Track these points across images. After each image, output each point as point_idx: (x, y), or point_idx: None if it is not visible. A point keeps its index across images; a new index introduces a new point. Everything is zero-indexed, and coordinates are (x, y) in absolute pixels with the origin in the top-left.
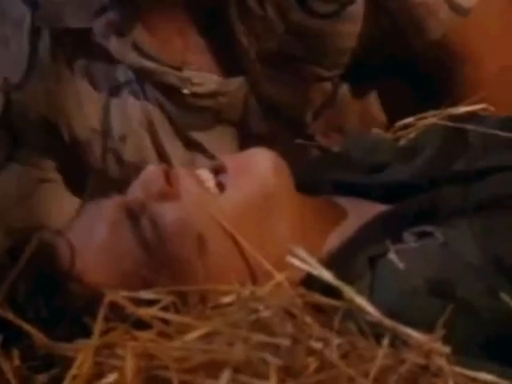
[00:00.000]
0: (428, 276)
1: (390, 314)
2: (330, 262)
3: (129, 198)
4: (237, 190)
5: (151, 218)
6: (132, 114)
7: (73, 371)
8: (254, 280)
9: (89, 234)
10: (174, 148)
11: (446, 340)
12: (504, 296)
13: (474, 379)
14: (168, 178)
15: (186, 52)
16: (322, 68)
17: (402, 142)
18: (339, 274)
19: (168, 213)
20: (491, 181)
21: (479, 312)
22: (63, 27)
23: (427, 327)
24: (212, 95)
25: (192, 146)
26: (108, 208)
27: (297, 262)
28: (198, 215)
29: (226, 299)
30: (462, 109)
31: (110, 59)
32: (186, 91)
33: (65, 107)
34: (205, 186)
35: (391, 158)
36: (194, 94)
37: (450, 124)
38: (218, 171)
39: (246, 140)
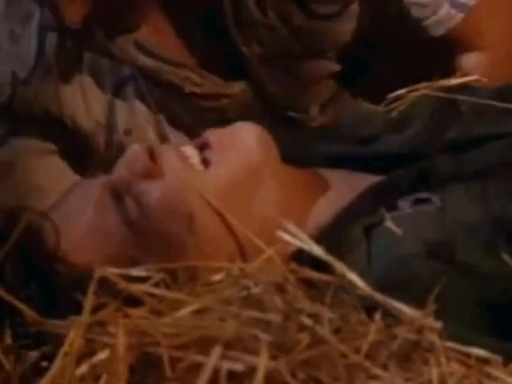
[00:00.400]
0: (426, 240)
1: (389, 280)
2: (322, 235)
3: (113, 177)
4: (221, 166)
5: (135, 196)
6: (137, 108)
7: (64, 348)
8: (244, 256)
9: (74, 214)
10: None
11: (441, 306)
12: (505, 257)
13: (466, 354)
14: (152, 156)
15: (186, 53)
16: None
17: (394, 115)
18: (332, 247)
19: (152, 191)
20: (486, 149)
21: (478, 274)
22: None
23: (426, 291)
24: (216, 97)
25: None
26: (93, 188)
27: (287, 237)
28: (183, 192)
29: (217, 277)
30: (454, 80)
31: (114, 56)
32: (186, 90)
33: (69, 101)
34: (189, 162)
35: (382, 130)
36: (195, 95)
37: (440, 94)
38: (203, 147)
39: None
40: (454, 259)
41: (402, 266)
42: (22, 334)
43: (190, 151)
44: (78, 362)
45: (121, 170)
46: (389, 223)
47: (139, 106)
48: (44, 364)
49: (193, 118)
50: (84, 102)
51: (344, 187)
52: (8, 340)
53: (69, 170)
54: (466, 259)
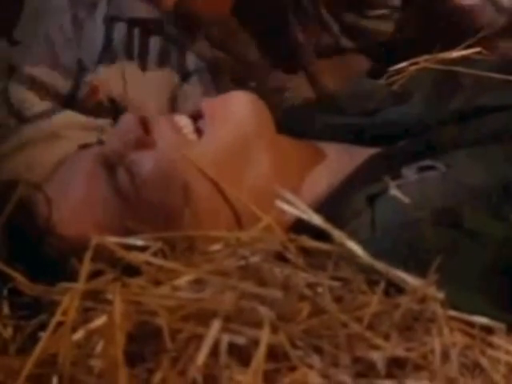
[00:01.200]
0: (432, 206)
1: (396, 247)
2: (321, 205)
3: (105, 147)
4: (214, 135)
5: (127, 167)
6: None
7: (58, 315)
8: (240, 225)
9: (66, 185)
10: None
11: (446, 273)
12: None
13: (469, 323)
14: (145, 126)
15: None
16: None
17: (395, 88)
18: (332, 217)
19: (144, 162)
20: (489, 119)
21: (486, 240)
22: (136, 17)
23: (433, 257)
24: (278, 90)
25: None
26: (85, 159)
27: (285, 206)
28: (176, 162)
29: (214, 246)
30: (456, 53)
31: (181, 48)
32: (252, 84)
33: (134, 92)
34: (182, 132)
35: (383, 103)
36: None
37: (441, 67)
38: (196, 117)
39: None
40: (461, 225)
41: (408, 232)
42: (20, 305)
43: (184, 121)
44: (75, 329)
45: (113, 141)
46: (395, 191)
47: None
48: (41, 334)
49: None
50: (149, 93)
51: (344, 159)
52: (6, 310)
53: None
54: (473, 225)
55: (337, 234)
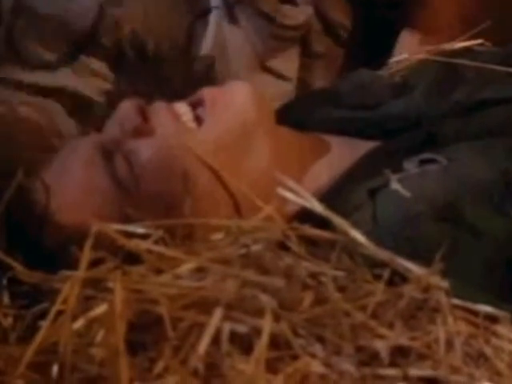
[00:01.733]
0: (433, 201)
1: (397, 241)
2: (323, 196)
3: (104, 135)
4: (215, 123)
5: (125, 155)
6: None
7: (58, 303)
8: (240, 214)
9: (64, 173)
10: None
11: (449, 266)
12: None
13: (473, 312)
14: (144, 113)
15: None
16: None
17: (396, 79)
18: (333, 208)
19: (142, 150)
20: (491, 112)
21: (487, 235)
22: None
23: (434, 251)
24: (297, 27)
25: (268, 71)
26: (82, 146)
27: (288, 194)
28: (175, 150)
29: (216, 235)
30: (458, 44)
31: None
32: (278, 20)
33: (155, 24)
34: (182, 120)
35: (384, 96)
36: (282, 26)
37: (441, 59)
38: (196, 105)
39: (307, 58)
40: (461, 221)
41: (409, 226)
42: (20, 294)
43: (183, 108)
44: (75, 318)
45: (111, 129)
46: (396, 185)
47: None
48: (42, 322)
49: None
50: (168, 26)
51: (345, 151)
52: (6, 300)
53: None
54: (474, 220)
55: (340, 222)
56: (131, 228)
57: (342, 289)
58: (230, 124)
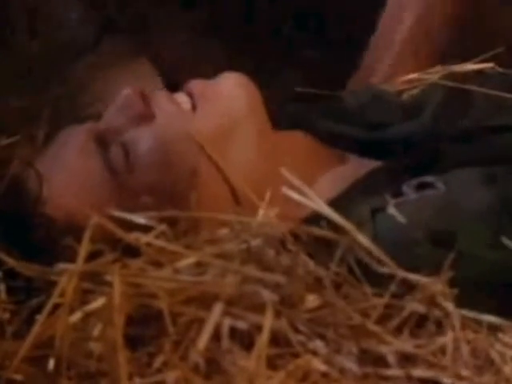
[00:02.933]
0: (429, 227)
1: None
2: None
3: (101, 123)
4: (204, 114)
5: (123, 144)
6: None
7: (55, 297)
8: (241, 208)
9: (57, 161)
10: None
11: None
12: (505, 240)
13: (478, 322)
14: (144, 100)
15: None
16: None
17: (405, 97)
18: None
19: (141, 139)
20: (497, 139)
21: (481, 262)
22: None
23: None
24: None
25: None
26: (76, 134)
27: (293, 194)
28: (174, 140)
29: (220, 231)
30: (469, 66)
31: None
32: None
33: None
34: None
35: (391, 117)
36: None
37: (451, 84)
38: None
39: None
40: (453, 247)
41: (405, 252)
42: (16, 288)
43: (182, 98)
44: (72, 311)
45: (111, 117)
46: (392, 210)
47: None
48: (39, 316)
49: None
50: None
51: (346, 166)
52: (2, 295)
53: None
54: (467, 248)
55: (348, 226)
56: (133, 217)
57: (345, 296)
58: (220, 116)
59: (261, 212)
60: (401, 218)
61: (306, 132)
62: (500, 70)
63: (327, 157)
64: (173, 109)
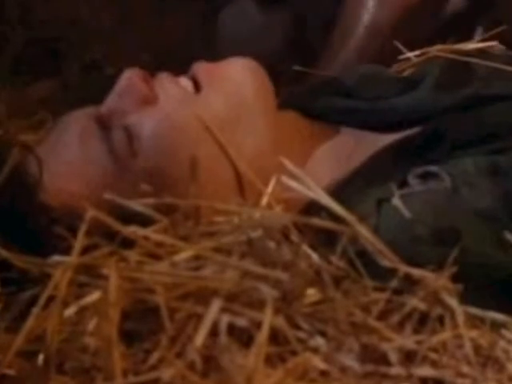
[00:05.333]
0: (433, 224)
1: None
2: (334, 194)
3: (102, 107)
4: (212, 93)
5: (126, 127)
6: None
7: (49, 289)
8: (244, 197)
9: (57, 145)
10: None
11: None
12: (508, 235)
13: (482, 318)
14: (147, 82)
15: None
16: None
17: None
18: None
19: (145, 123)
20: (501, 108)
21: (486, 261)
22: None
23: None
24: None
25: None
26: (78, 119)
27: (292, 183)
28: (182, 122)
29: (221, 223)
30: (471, 45)
31: None
32: None
33: None
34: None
35: (391, 90)
36: None
37: (451, 56)
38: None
39: None
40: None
41: (408, 247)
42: (10, 280)
43: (184, 82)
44: (67, 305)
45: (112, 101)
46: (397, 202)
47: None
48: (33, 310)
49: None
50: None
51: (350, 144)
52: None
53: None
54: (471, 247)
55: (350, 217)
56: (132, 204)
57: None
58: (227, 98)
59: (264, 199)
60: (406, 212)
61: (297, 110)
62: (503, 47)
63: (323, 133)
64: (177, 91)
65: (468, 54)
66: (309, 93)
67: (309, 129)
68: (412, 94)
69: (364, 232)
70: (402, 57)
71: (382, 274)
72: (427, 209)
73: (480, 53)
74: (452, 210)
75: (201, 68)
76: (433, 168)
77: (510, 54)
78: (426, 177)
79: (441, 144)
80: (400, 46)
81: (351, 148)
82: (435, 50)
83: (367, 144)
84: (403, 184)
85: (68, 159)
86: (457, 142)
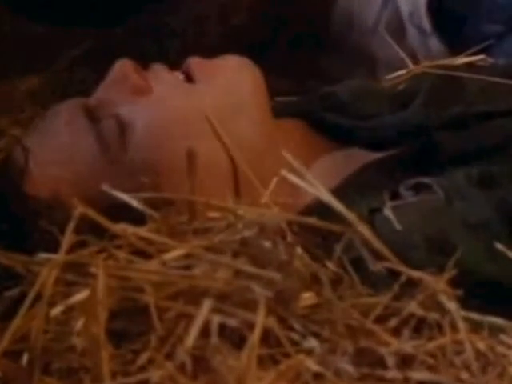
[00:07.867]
0: (427, 234)
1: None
2: (313, 206)
3: (92, 98)
4: (212, 85)
5: (117, 119)
6: None
7: (36, 288)
8: (238, 194)
9: (44, 134)
10: None
11: None
12: (500, 246)
13: (480, 324)
14: (140, 73)
15: None
16: None
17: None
18: (335, 216)
19: (139, 114)
20: (491, 126)
21: (480, 275)
22: None
23: None
24: None
25: None
26: (65, 108)
27: (293, 178)
28: (177, 114)
29: (214, 220)
30: (460, 60)
31: None
32: None
33: None
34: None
35: (381, 108)
36: None
37: (440, 72)
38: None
39: None
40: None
41: (404, 254)
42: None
43: (177, 75)
44: (54, 304)
45: (103, 91)
46: (388, 213)
47: None
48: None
49: None
50: None
51: (344, 161)
52: None
53: None
54: (465, 259)
55: (350, 215)
56: (125, 198)
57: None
58: (224, 90)
59: (263, 199)
60: (396, 224)
61: (299, 120)
62: (490, 60)
63: (320, 145)
64: (173, 81)
65: (457, 68)
66: (306, 104)
67: (305, 137)
68: (405, 111)
69: (365, 232)
70: (391, 75)
71: (378, 281)
72: (420, 219)
73: (469, 67)
74: (445, 221)
75: (194, 62)
76: (425, 179)
77: (498, 66)
78: (418, 188)
79: (433, 158)
80: (405, 58)
81: (343, 164)
82: (423, 66)
83: (358, 161)
84: (395, 195)
85: (55, 147)
86: (449, 157)
